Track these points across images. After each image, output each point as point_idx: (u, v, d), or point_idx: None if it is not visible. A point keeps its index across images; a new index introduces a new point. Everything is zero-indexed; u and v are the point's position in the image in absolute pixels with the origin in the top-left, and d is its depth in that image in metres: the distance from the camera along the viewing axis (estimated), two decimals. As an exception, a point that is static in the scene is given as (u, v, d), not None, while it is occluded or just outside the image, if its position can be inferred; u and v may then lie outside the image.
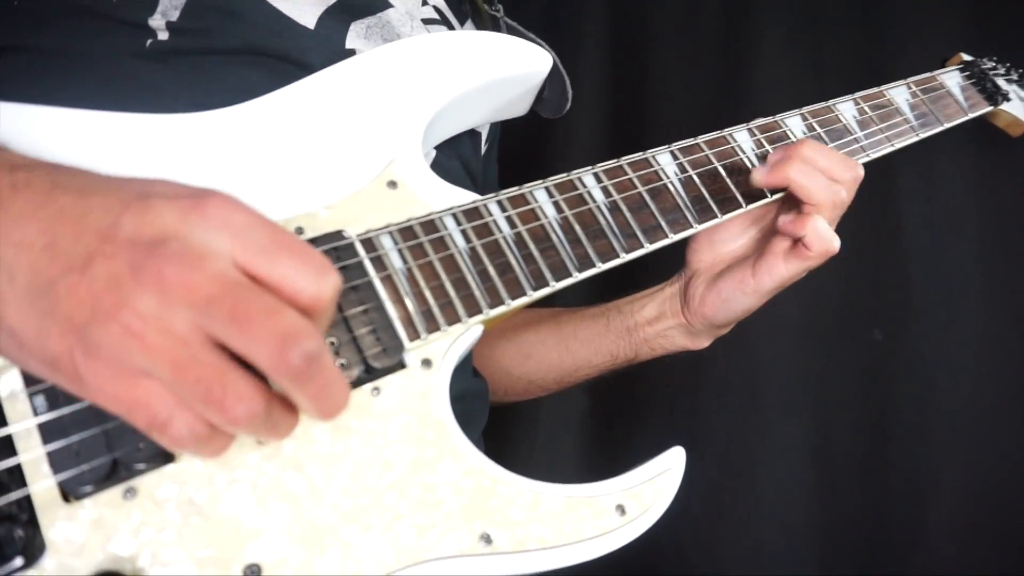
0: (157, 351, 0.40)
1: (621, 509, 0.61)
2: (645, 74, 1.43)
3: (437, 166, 0.71)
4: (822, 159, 0.79)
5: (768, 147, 0.83)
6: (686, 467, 0.64)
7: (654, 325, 0.93)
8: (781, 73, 1.35)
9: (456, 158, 0.84)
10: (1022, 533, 1.14)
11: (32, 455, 0.49)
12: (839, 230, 0.80)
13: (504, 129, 1.03)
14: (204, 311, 0.40)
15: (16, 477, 0.49)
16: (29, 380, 0.51)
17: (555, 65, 0.81)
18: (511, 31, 0.90)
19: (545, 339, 0.99)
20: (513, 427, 1.14)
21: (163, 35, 0.67)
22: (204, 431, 0.42)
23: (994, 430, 1.20)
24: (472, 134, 0.88)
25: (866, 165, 0.85)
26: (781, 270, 0.80)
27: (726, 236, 0.87)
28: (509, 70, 0.78)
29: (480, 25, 0.94)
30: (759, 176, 0.78)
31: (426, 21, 0.85)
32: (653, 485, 0.63)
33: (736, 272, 0.84)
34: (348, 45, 0.77)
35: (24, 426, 0.50)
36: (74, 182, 0.44)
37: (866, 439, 1.20)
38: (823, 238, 0.78)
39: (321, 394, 0.43)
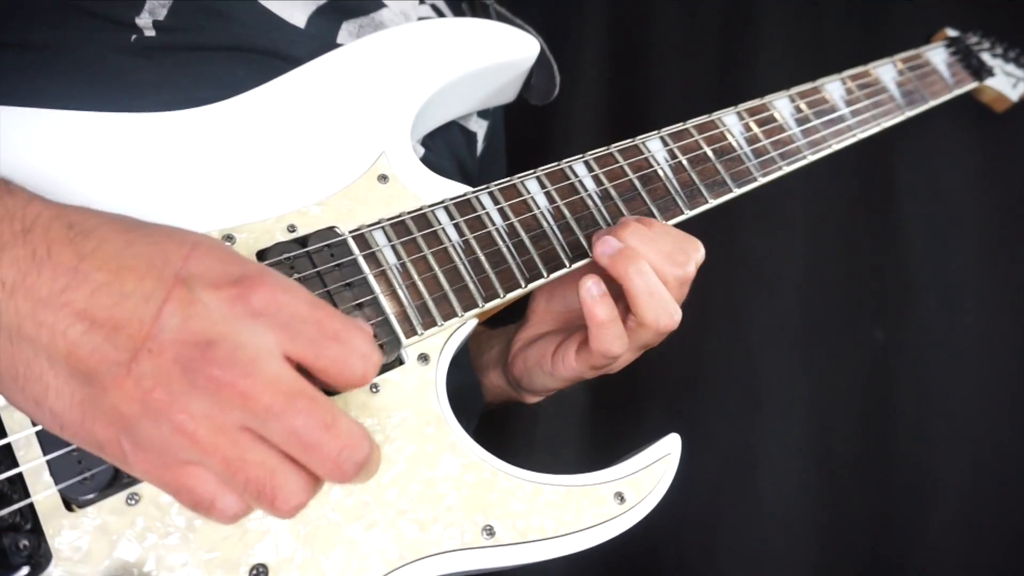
0: (209, 449, 0.40)
1: (620, 497, 0.61)
2: (647, 60, 1.41)
3: (430, 165, 0.70)
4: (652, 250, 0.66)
5: (756, 130, 0.83)
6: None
7: (495, 370, 0.83)
8: (782, 57, 1.34)
9: (450, 157, 0.83)
10: (1022, 533, 1.15)
11: (33, 464, 0.49)
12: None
13: (505, 120, 1.02)
14: (260, 420, 0.41)
15: (18, 487, 0.49)
16: (26, 389, 0.51)
17: (543, 51, 0.80)
18: (501, 18, 0.89)
19: None
20: (512, 427, 1.14)
21: (149, 32, 0.66)
22: (245, 510, 0.43)
23: (994, 430, 1.20)
24: (467, 133, 0.88)
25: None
26: (572, 363, 0.69)
27: (567, 292, 0.75)
28: (497, 57, 0.77)
29: (474, 15, 0.93)
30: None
31: (422, 20, 0.84)
32: (651, 472, 0.63)
33: (547, 343, 0.73)
34: (339, 44, 0.76)
35: (23, 435, 0.50)
36: (100, 248, 0.42)
37: (866, 439, 1.20)
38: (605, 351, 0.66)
39: (361, 481, 0.45)
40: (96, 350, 0.40)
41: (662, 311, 0.65)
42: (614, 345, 0.65)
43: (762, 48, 1.38)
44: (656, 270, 0.65)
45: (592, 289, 0.64)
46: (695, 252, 0.67)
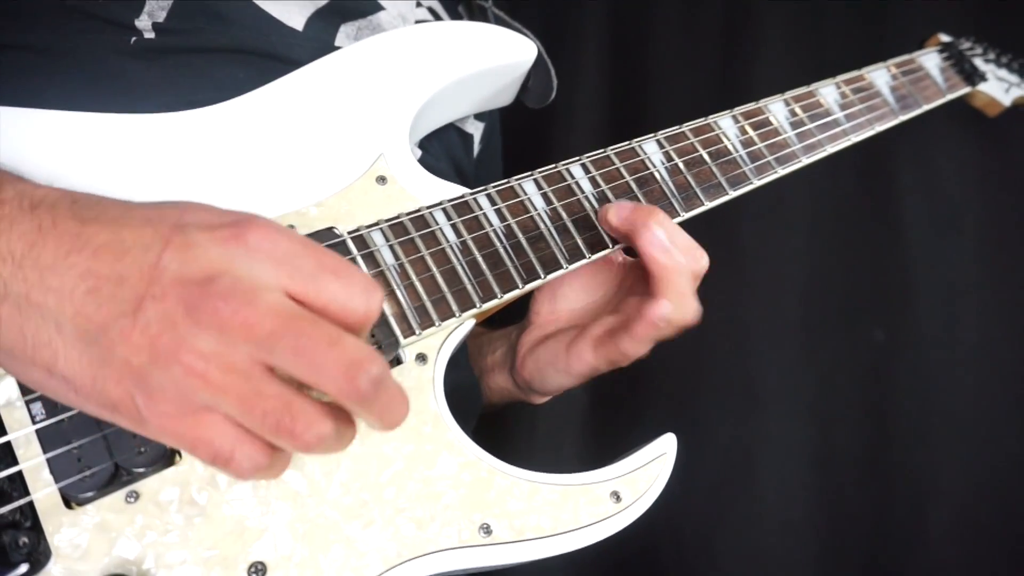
0: (222, 388, 0.40)
1: (616, 496, 0.62)
2: (646, 63, 1.41)
3: (428, 167, 0.70)
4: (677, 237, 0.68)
5: (752, 133, 0.84)
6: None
7: (500, 373, 0.83)
8: (781, 61, 1.34)
9: (448, 159, 0.84)
10: (1022, 533, 1.15)
11: (32, 462, 0.50)
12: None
13: (505, 123, 1.02)
14: (266, 347, 0.40)
15: (18, 484, 0.49)
16: (26, 388, 0.51)
17: (540, 54, 0.81)
18: (498, 21, 0.90)
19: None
20: (513, 427, 1.14)
21: (149, 35, 0.67)
22: (265, 461, 0.42)
23: (994, 430, 1.20)
24: (464, 136, 0.88)
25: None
26: (588, 357, 0.70)
27: (569, 292, 0.76)
28: (494, 60, 0.78)
29: (472, 19, 0.93)
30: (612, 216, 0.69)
31: (420, 23, 0.84)
32: (647, 471, 0.64)
33: (558, 342, 0.73)
34: (338, 46, 0.76)
35: (23, 433, 0.50)
36: (102, 215, 0.43)
37: (866, 439, 1.20)
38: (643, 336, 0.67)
39: (386, 410, 0.44)
40: (102, 306, 0.41)
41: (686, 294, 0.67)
42: (687, 308, 0.66)
43: (762, 52, 1.38)
44: (674, 262, 0.66)
45: (663, 238, 0.65)
46: (703, 254, 0.69)
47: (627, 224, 0.67)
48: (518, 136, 1.09)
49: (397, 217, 0.65)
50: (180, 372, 0.40)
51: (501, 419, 0.95)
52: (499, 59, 0.78)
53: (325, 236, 0.62)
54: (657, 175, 0.76)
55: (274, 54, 0.70)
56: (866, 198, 1.33)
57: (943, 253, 1.30)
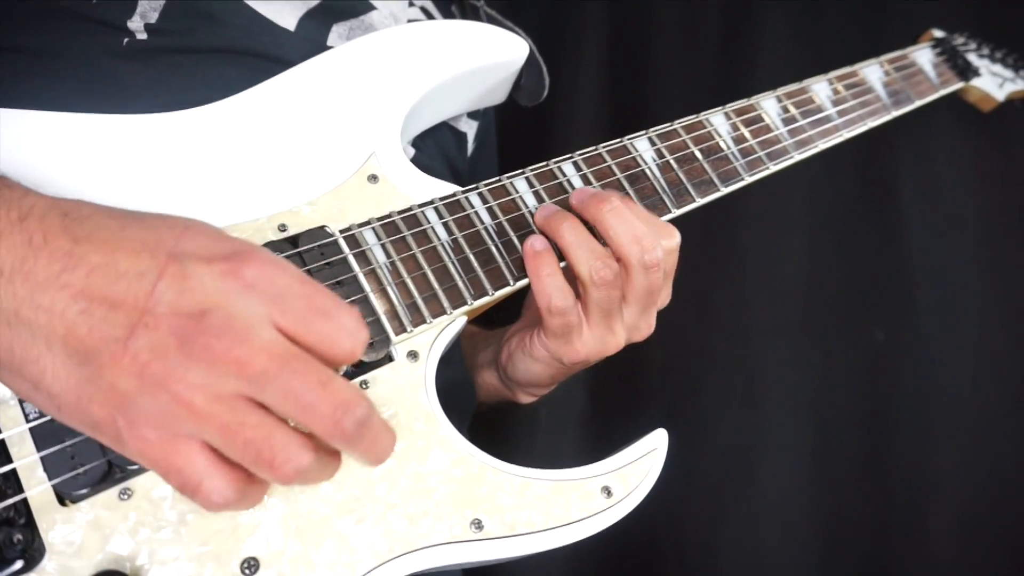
0: (206, 417, 0.41)
1: (607, 491, 0.62)
2: (645, 61, 1.41)
3: (421, 166, 0.71)
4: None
5: (744, 129, 0.84)
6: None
7: (489, 369, 0.83)
8: (780, 59, 1.34)
9: (441, 158, 0.84)
10: (1022, 533, 1.15)
11: (26, 460, 0.50)
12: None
13: (504, 122, 1.02)
14: (257, 385, 0.41)
15: (12, 482, 0.50)
16: (20, 386, 0.51)
17: (531, 52, 0.81)
18: (490, 20, 0.90)
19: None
20: (512, 426, 1.14)
21: (141, 36, 0.67)
22: (233, 495, 0.43)
23: (994, 430, 1.20)
24: (457, 134, 0.89)
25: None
26: (542, 335, 0.69)
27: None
28: (486, 59, 0.78)
29: (465, 18, 0.93)
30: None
31: (412, 22, 0.85)
32: (637, 466, 0.64)
33: (528, 328, 0.73)
34: (329, 46, 0.77)
35: (17, 431, 0.51)
36: (94, 233, 0.43)
37: (866, 439, 1.20)
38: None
39: (371, 447, 0.45)
40: (94, 329, 0.41)
41: (594, 260, 0.64)
42: (555, 297, 0.64)
43: (761, 51, 1.38)
44: (623, 248, 0.65)
45: (535, 244, 0.65)
46: (668, 239, 0.67)
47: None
48: (516, 135, 1.09)
49: (389, 215, 0.65)
50: (167, 399, 0.41)
51: (501, 419, 0.95)
52: (491, 57, 0.78)
53: (317, 235, 0.62)
54: (648, 172, 0.76)
55: (266, 54, 0.71)
56: (866, 198, 1.33)
57: (943, 253, 1.30)
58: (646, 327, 0.70)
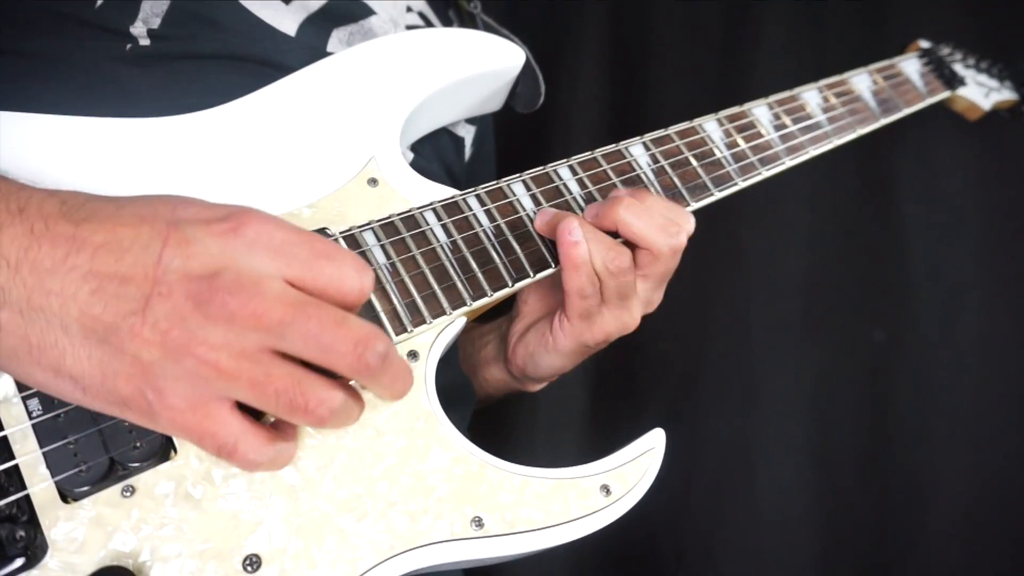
0: (235, 374, 0.42)
1: (606, 489, 0.63)
2: (644, 67, 1.42)
3: (419, 170, 0.72)
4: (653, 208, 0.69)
5: (736, 136, 0.86)
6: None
7: (495, 365, 0.84)
8: (781, 64, 1.36)
9: (439, 162, 0.85)
10: (1022, 533, 1.15)
11: (29, 457, 0.50)
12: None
13: (501, 128, 1.03)
14: (277, 333, 0.42)
15: (15, 479, 0.50)
16: (22, 385, 0.52)
17: (528, 60, 0.82)
18: (487, 28, 0.91)
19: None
20: (512, 425, 1.14)
21: (144, 41, 0.68)
22: (268, 452, 0.44)
23: (994, 430, 1.20)
24: (454, 138, 0.90)
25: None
26: (568, 329, 0.71)
27: (556, 289, 0.74)
28: (483, 66, 0.79)
29: (462, 24, 0.95)
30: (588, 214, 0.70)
31: (411, 28, 0.86)
32: (636, 465, 0.65)
33: (543, 325, 0.75)
34: (329, 51, 0.78)
35: (20, 429, 0.51)
36: (93, 215, 0.44)
37: (866, 439, 1.20)
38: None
39: (394, 381, 0.47)
40: (108, 306, 0.42)
41: (607, 252, 0.66)
42: (586, 283, 0.66)
43: (761, 55, 1.39)
44: (649, 240, 0.67)
45: (574, 233, 0.66)
46: (686, 223, 0.71)
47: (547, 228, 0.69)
48: (513, 140, 1.10)
49: (388, 217, 0.66)
50: (193, 363, 0.41)
51: (501, 417, 0.95)
52: (488, 65, 0.79)
53: (317, 236, 0.63)
54: (643, 176, 0.78)
55: (267, 60, 0.72)
56: (866, 198, 1.33)
57: (943, 253, 1.30)
58: (657, 299, 0.74)
